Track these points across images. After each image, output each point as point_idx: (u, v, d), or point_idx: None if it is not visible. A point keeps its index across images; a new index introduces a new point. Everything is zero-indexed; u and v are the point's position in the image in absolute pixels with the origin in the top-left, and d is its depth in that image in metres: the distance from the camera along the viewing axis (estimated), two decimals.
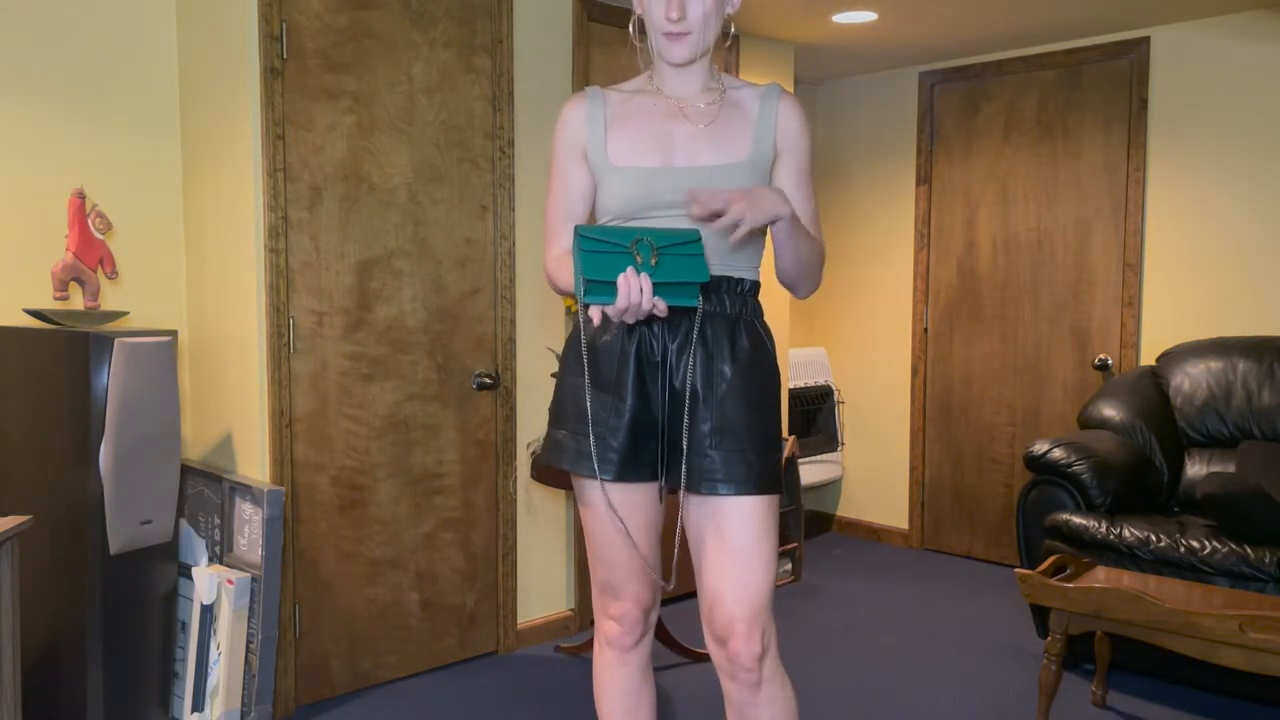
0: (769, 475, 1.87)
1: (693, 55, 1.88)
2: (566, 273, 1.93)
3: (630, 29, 2.00)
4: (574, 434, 1.91)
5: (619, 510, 1.93)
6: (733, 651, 1.85)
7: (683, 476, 1.87)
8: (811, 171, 1.98)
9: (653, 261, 1.69)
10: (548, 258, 2.01)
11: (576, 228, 1.72)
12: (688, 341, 1.86)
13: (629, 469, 1.88)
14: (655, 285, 1.69)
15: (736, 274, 1.91)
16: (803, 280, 1.92)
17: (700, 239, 1.73)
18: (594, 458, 1.87)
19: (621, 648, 2.03)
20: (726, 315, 1.89)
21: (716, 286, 1.88)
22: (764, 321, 1.95)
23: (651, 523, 1.98)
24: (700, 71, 1.95)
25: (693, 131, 1.90)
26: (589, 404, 1.89)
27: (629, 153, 1.90)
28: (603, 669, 2.06)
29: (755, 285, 1.94)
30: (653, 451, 1.89)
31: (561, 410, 1.95)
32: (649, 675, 2.08)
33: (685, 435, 1.87)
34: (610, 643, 2.04)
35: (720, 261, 1.89)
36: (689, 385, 1.86)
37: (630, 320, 1.71)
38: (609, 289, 1.69)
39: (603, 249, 1.70)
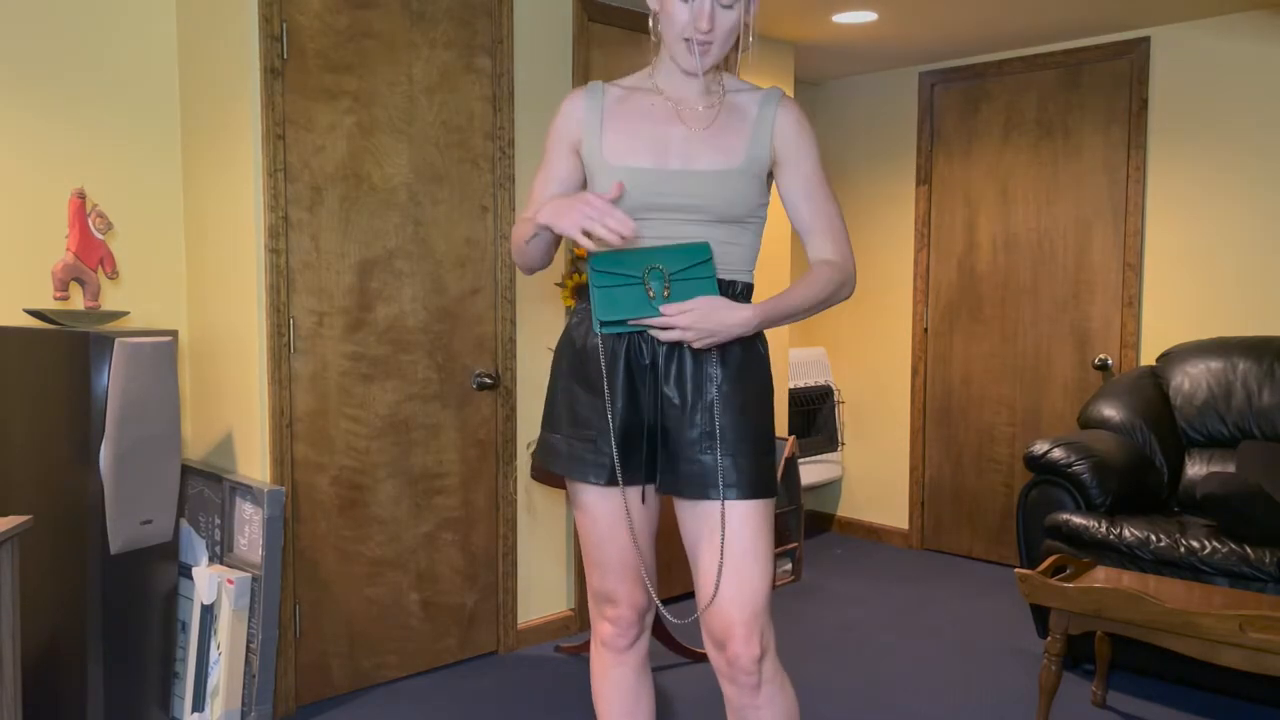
0: (761, 479, 1.86)
1: (710, 66, 1.87)
2: (517, 229, 1.93)
3: (650, 24, 1.99)
4: (567, 438, 1.91)
5: (610, 514, 1.93)
6: (732, 654, 1.85)
7: (672, 481, 1.88)
8: (825, 175, 1.95)
9: (665, 292, 1.77)
10: (517, 221, 2.00)
11: (590, 257, 1.79)
12: (678, 346, 1.85)
13: (621, 473, 1.88)
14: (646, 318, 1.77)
15: (728, 276, 1.90)
16: (823, 309, 1.94)
17: (710, 258, 1.77)
18: (585, 462, 1.88)
19: (617, 649, 2.04)
20: None
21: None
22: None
23: (644, 526, 1.98)
24: (703, 76, 1.93)
25: (689, 134, 1.89)
26: (580, 408, 1.89)
27: (624, 152, 1.89)
28: (599, 671, 2.06)
29: (748, 287, 1.94)
30: (644, 455, 1.89)
31: (553, 414, 1.96)
32: (646, 675, 2.08)
33: (676, 440, 1.87)
34: (605, 644, 2.04)
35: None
36: (679, 390, 1.86)
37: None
38: (623, 323, 1.78)
39: (616, 283, 1.78)
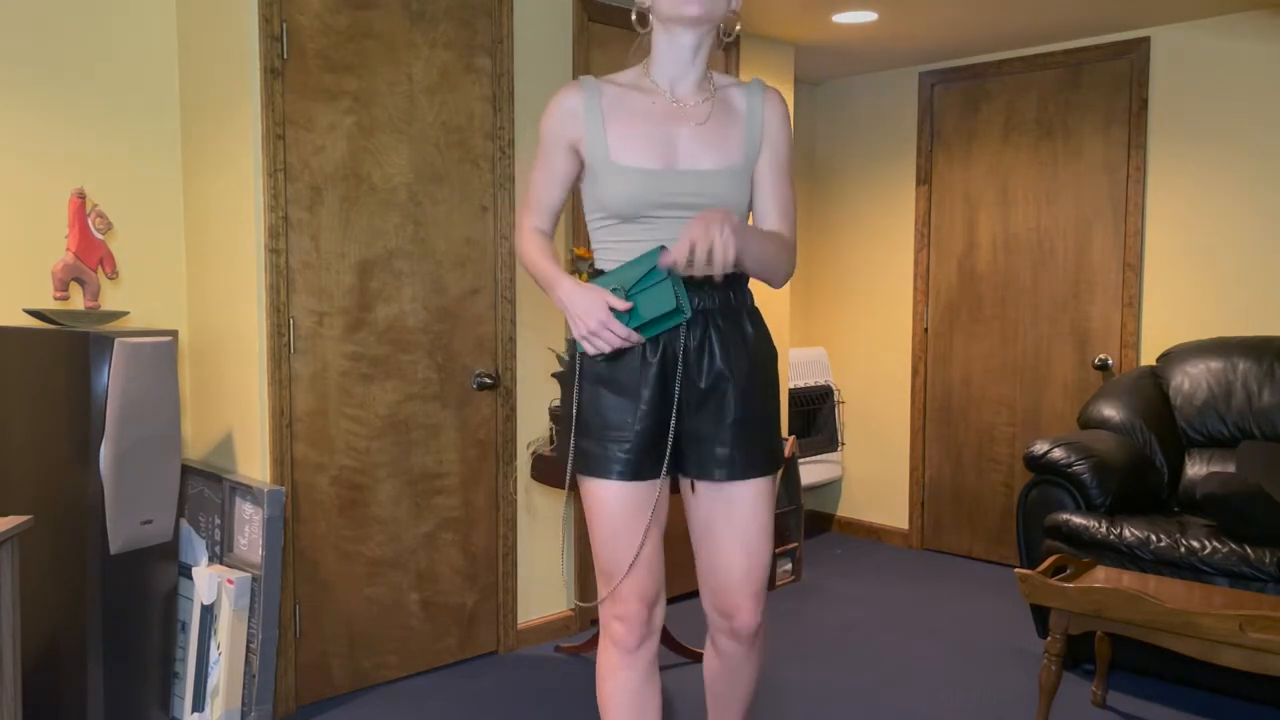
0: (777, 455, 2.00)
1: (707, 13, 1.88)
2: (535, 256, 2.02)
3: (634, 17, 2.00)
4: (600, 442, 1.94)
5: (628, 509, 1.96)
6: (740, 624, 2.00)
7: (699, 465, 1.96)
8: (791, 163, 2.03)
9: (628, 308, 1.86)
10: (522, 229, 2.06)
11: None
12: (706, 338, 1.93)
13: (644, 468, 1.94)
14: (637, 327, 1.86)
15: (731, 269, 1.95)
16: (768, 275, 1.96)
17: (656, 264, 1.82)
18: (612, 459, 1.93)
19: (626, 649, 2.03)
20: (732, 307, 1.97)
21: (722, 284, 1.95)
22: (755, 304, 2.05)
23: (658, 521, 2.01)
24: (698, 64, 1.97)
25: (692, 133, 1.93)
26: (607, 412, 1.94)
27: (631, 152, 1.91)
28: (607, 671, 2.05)
29: (745, 274, 2.00)
30: (663, 448, 1.94)
31: (582, 420, 1.98)
32: (654, 678, 2.07)
33: (703, 428, 1.94)
34: (615, 643, 2.04)
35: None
36: (708, 379, 1.92)
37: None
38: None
39: None
